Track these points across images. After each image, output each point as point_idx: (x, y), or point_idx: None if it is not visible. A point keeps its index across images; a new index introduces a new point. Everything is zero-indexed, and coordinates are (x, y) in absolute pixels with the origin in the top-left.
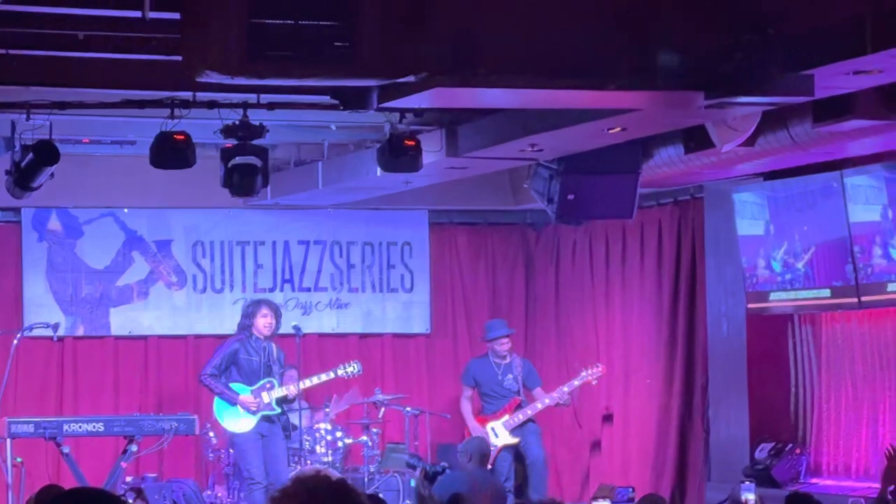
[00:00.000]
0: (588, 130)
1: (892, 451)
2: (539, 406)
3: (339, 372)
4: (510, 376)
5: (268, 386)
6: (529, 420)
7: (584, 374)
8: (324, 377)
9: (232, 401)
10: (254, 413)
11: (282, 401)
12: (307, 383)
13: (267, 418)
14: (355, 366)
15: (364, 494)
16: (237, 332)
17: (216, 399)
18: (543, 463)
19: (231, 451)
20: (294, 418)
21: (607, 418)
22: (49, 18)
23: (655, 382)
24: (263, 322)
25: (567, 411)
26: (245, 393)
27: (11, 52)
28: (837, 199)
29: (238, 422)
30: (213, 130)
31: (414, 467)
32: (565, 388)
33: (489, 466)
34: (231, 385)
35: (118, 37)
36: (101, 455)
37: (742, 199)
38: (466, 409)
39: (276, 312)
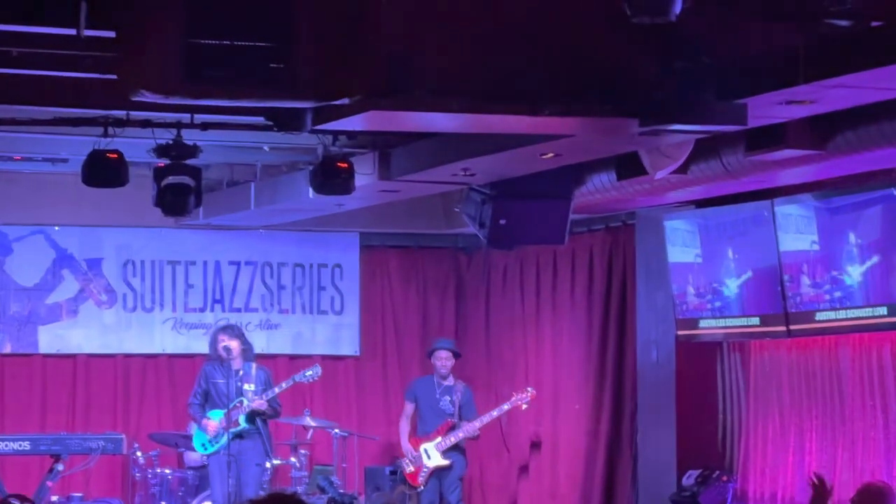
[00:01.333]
0: (521, 156)
1: (816, 478)
2: (472, 429)
3: (298, 378)
4: (448, 398)
5: (238, 405)
6: (461, 454)
7: (514, 398)
8: (284, 385)
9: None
10: (213, 442)
11: (254, 416)
12: (270, 394)
13: (238, 435)
14: (313, 370)
15: None
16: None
17: (196, 430)
18: None
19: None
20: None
21: (535, 444)
22: None
23: (584, 408)
24: (221, 346)
25: (495, 435)
26: (219, 417)
27: None
28: (768, 228)
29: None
30: (146, 149)
31: (324, 491)
32: (494, 412)
33: (420, 487)
34: (210, 413)
35: (52, 54)
36: (27, 474)
37: (673, 226)
38: (402, 427)
39: (234, 334)
